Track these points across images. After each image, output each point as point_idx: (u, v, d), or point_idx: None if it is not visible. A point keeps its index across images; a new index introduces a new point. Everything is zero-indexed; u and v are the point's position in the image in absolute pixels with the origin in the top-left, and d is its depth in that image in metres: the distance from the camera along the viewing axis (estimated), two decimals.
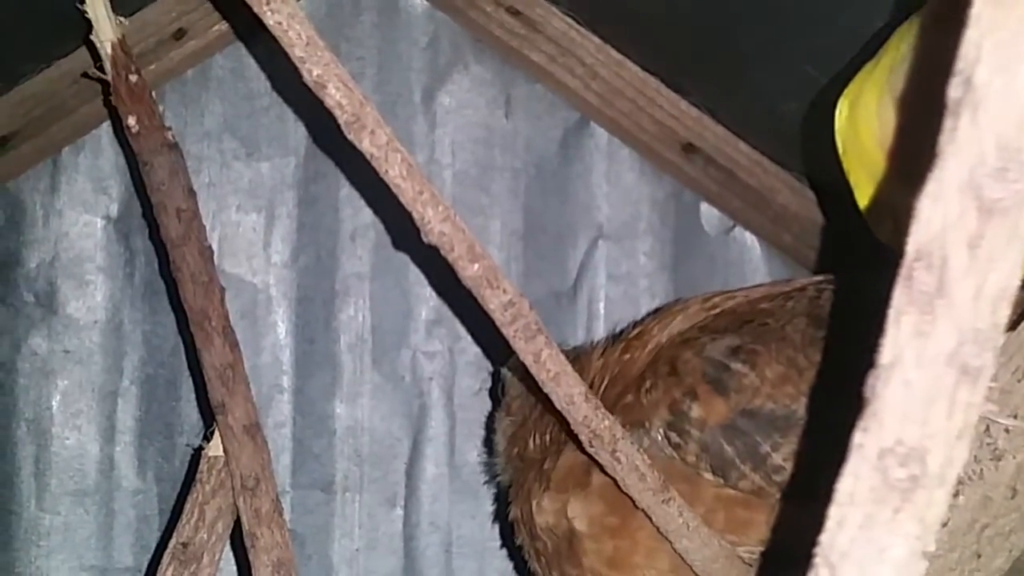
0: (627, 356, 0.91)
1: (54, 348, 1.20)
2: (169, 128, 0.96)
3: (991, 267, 0.32)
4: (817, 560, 0.36)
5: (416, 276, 1.24)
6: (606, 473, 0.76)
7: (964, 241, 0.32)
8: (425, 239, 0.63)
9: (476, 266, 0.64)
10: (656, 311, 1.00)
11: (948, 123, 0.31)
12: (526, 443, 0.95)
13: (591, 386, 0.90)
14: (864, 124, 0.74)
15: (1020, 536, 0.68)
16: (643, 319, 0.97)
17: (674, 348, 0.87)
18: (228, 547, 0.97)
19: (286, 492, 1.21)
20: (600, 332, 1.22)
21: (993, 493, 0.66)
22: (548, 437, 0.92)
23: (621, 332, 0.97)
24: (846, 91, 0.77)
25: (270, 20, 0.57)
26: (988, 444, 0.65)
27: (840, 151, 0.76)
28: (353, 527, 1.22)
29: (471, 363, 1.24)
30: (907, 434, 0.34)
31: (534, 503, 0.89)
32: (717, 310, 0.90)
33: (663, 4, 1.07)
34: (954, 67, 0.30)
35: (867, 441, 0.35)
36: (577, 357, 0.94)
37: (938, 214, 0.32)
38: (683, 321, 0.90)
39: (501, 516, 1.17)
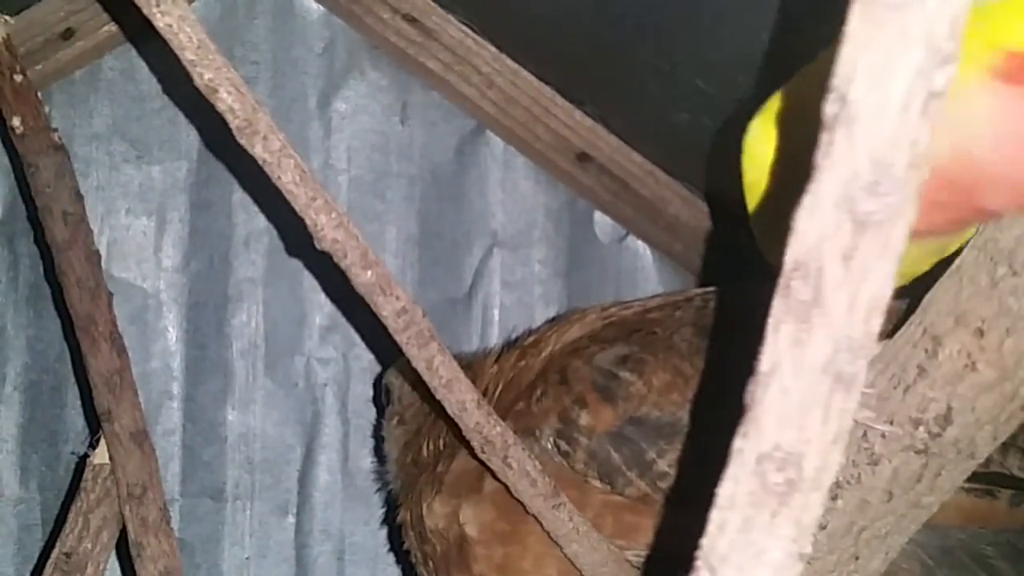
0: (522, 363, 0.92)
1: None
2: (55, 130, 0.95)
3: (864, 279, 0.33)
4: (699, 563, 0.37)
5: (310, 282, 1.23)
6: (498, 479, 0.76)
7: (839, 253, 0.33)
8: (318, 246, 0.63)
9: (369, 273, 0.64)
10: (554, 319, 1.01)
11: (824, 138, 0.32)
12: (420, 449, 0.95)
13: (485, 392, 0.91)
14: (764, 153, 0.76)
15: (896, 539, 0.71)
16: (540, 327, 0.98)
17: (565, 356, 0.88)
18: (114, 557, 0.96)
19: (175, 500, 1.19)
20: (494, 339, 1.23)
21: (870, 497, 0.67)
22: (442, 442, 0.92)
23: (517, 339, 0.98)
24: (755, 117, 0.79)
25: (160, 22, 0.57)
26: (865, 449, 0.67)
27: (744, 175, 0.78)
28: (244, 535, 1.21)
29: (365, 370, 1.24)
30: (784, 440, 0.35)
31: (425, 506, 0.89)
32: (612, 319, 0.91)
33: (559, 16, 1.08)
34: (829, 84, 0.31)
35: (746, 446, 0.35)
36: (471, 364, 0.95)
37: (814, 227, 0.33)
38: (579, 330, 0.91)
39: (392, 522, 1.17)
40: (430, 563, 0.91)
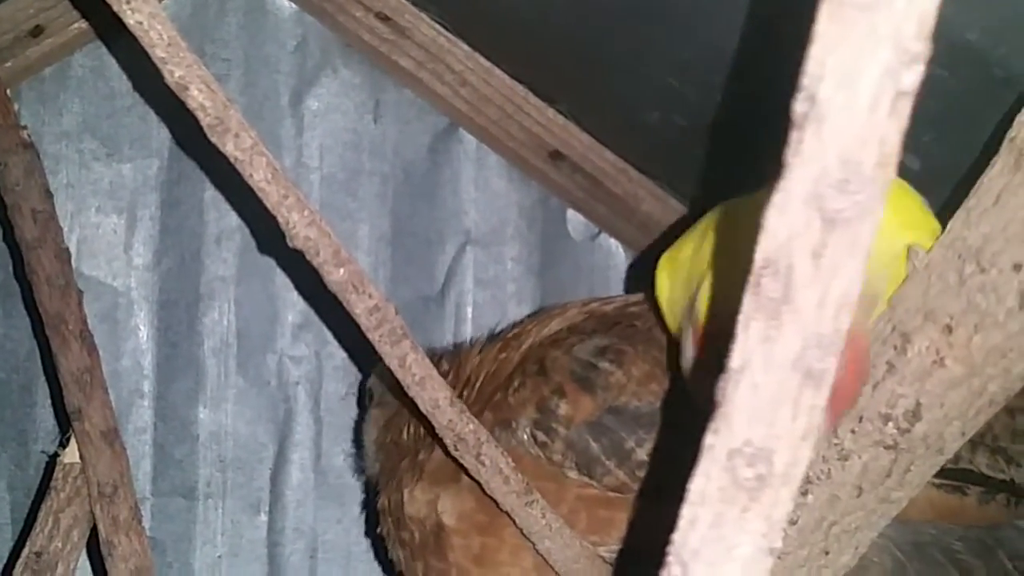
0: (503, 355, 0.92)
1: None
2: (25, 127, 0.94)
3: (834, 276, 0.34)
4: (670, 558, 0.37)
5: (283, 280, 1.22)
6: (471, 476, 0.77)
7: (808, 251, 0.33)
8: (290, 244, 0.63)
9: (341, 271, 0.64)
10: (535, 313, 1.02)
11: (793, 137, 0.32)
12: (400, 431, 0.95)
13: (467, 383, 0.91)
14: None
15: (866, 533, 0.71)
16: (522, 320, 0.99)
17: (543, 348, 0.89)
18: (85, 556, 0.95)
19: (146, 499, 1.18)
20: (468, 336, 1.23)
21: (840, 492, 0.68)
22: (423, 428, 0.92)
23: (501, 332, 0.98)
24: (662, 262, 0.81)
25: (130, 19, 0.56)
26: (835, 444, 0.67)
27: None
28: (216, 534, 1.20)
29: (338, 368, 1.23)
30: (755, 435, 0.35)
31: (406, 492, 0.89)
32: (592, 313, 0.92)
33: (532, 14, 1.09)
34: (799, 82, 0.32)
35: (717, 442, 0.36)
36: (456, 354, 0.95)
37: (784, 225, 0.33)
38: (559, 323, 0.92)
39: (367, 519, 1.17)
40: (407, 549, 0.91)
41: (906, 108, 0.30)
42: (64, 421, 1.01)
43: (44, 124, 1.18)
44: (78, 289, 0.93)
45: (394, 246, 1.25)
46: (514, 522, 0.78)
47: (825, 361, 0.35)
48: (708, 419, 0.37)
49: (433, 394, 0.71)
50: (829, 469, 0.68)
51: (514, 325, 0.97)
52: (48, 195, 0.94)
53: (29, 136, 0.94)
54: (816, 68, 0.31)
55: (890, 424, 0.66)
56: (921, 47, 0.30)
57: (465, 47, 1.21)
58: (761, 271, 0.34)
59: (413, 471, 0.90)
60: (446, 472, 0.86)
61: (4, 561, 1.14)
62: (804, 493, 0.68)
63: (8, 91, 0.94)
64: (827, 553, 0.71)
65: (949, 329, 0.63)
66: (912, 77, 0.30)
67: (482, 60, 1.21)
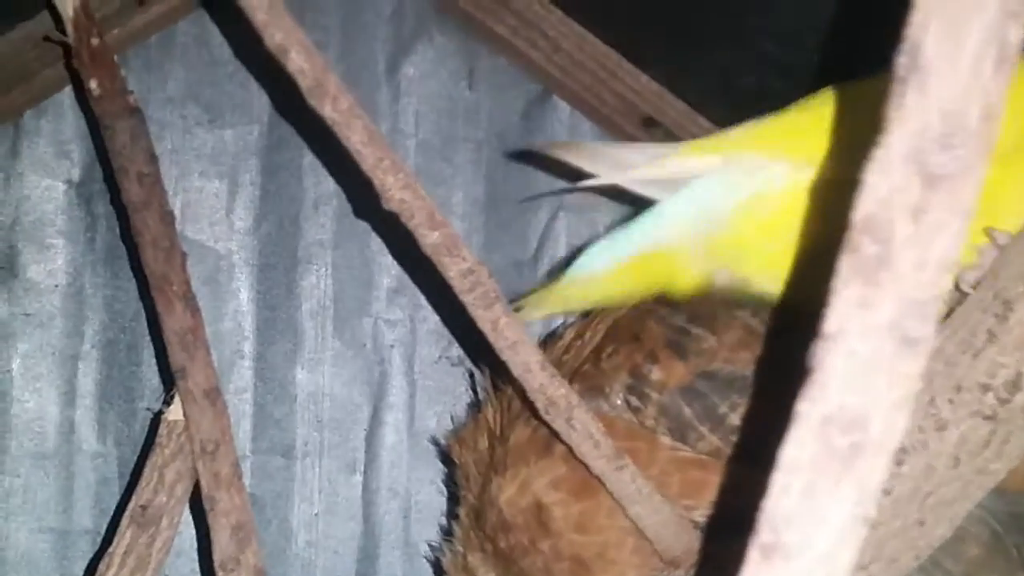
0: (587, 332, 0.92)
1: (14, 312, 1.20)
2: (131, 92, 0.96)
3: (934, 236, 0.33)
4: (761, 526, 0.37)
5: (378, 245, 1.24)
6: (561, 441, 0.77)
7: (908, 209, 0.33)
8: (385, 206, 0.63)
9: (436, 234, 0.64)
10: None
11: (895, 91, 0.31)
12: (475, 444, 0.93)
13: (567, 350, 0.90)
14: None
15: (962, 505, 0.70)
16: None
17: (634, 319, 0.88)
18: (187, 511, 0.98)
19: (246, 457, 1.21)
20: None
21: (936, 462, 0.67)
22: (490, 430, 0.91)
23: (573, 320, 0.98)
24: None
25: None
26: (932, 414, 0.66)
27: None
28: (312, 492, 1.23)
29: (432, 331, 1.25)
30: (849, 402, 0.35)
31: (493, 487, 0.88)
32: None
33: None
34: (902, 35, 0.31)
35: (810, 409, 0.35)
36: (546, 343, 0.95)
37: (884, 184, 0.33)
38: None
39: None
40: (516, 551, 0.87)
41: (1011, 62, 0.30)
42: (168, 380, 1.04)
43: (150, 91, 1.21)
44: (182, 251, 0.95)
45: (488, 212, 1.25)
46: (604, 487, 0.79)
47: (923, 328, 0.34)
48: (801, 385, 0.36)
49: (525, 358, 0.71)
50: (926, 439, 0.67)
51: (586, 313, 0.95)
52: (153, 159, 0.95)
53: (135, 101, 0.96)
54: (920, 19, 0.30)
55: (990, 394, 0.65)
56: None
57: (559, 13, 1.21)
58: (859, 231, 0.33)
59: (496, 467, 0.89)
60: (532, 448, 0.87)
61: (112, 513, 1.19)
62: (899, 463, 0.67)
63: (115, 58, 0.96)
64: (922, 524, 0.70)
65: None
66: (1018, 29, 0.30)
67: (576, 26, 1.21)
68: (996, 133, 0.31)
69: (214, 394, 0.93)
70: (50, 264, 1.20)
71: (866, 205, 0.33)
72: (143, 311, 1.20)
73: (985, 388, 0.65)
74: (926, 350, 0.35)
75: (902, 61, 0.31)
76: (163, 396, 1.07)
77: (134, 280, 1.20)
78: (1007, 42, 0.30)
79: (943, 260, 0.34)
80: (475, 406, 0.98)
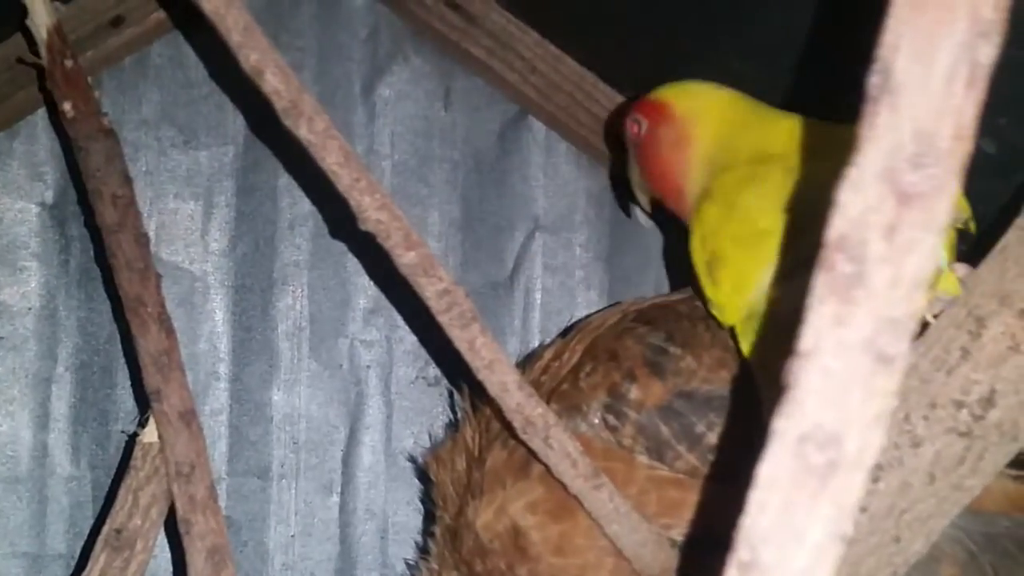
0: (564, 353, 0.92)
1: None
2: (106, 114, 0.96)
3: (908, 255, 0.33)
4: (739, 543, 0.37)
5: (354, 265, 1.24)
6: (539, 460, 0.77)
7: (882, 227, 0.33)
8: (361, 226, 0.63)
9: (412, 254, 0.65)
10: (590, 315, 1.00)
11: (868, 111, 0.32)
12: (452, 464, 0.93)
13: (545, 371, 0.90)
14: None
15: (938, 521, 0.70)
16: (578, 321, 0.98)
17: (612, 337, 0.89)
18: (163, 533, 0.97)
19: (222, 479, 1.20)
20: (536, 322, 1.24)
21: (912, 479, 0.67)
22: (467, 454, 0.90)
23: (553, 339, 0.98)
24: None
25: (206, 6, 0.58)
26: (907, 431, 0.67)
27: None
28: (289, 514, 1.22)
29: (408, 352, 1.25)
30: (825, 419, 0.35)
31: (470, 510, 0.88)
32: (656, 303, 0.91)
33: (601, 1, 1.09)
34: (874, 55, 0.31)
35: (786, 427, 0.35)
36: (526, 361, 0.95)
37: (857, 202, 0.33)
38: (618, 315, 0.91)
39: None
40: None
41: (982, 81, 0.30)
42: (143, 402, 1.03)
43: (124, 113, 1.20)
44: (157, 273, 0.95)
45: (464, 232, 1.25)
46: (582, 506, 0.78)
47: (898, 345, 0.34)
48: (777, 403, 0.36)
49: (502, 377, 0.71)
50: (901, 456, 0.67)
51: (567, 329, 0.96)
52: (128, 181, 0.95)
53: (110, 123, 0.96)
54: (891, 39, 0.30)
55: (964, 411, 0.65)
56: (997, 18, 0.30)
57: (535, 35, 1.21)
58: (834, 249, 0.33)
59: (473, 490, 0.89)
60: (509, 471, 0.86)
61: (86, 537, 1.17)
62: (875, 480, 0.67)
63: (89, 79, 0.96)
64: (898, 540, 0.70)
65: None
66: (988, 49, 0.30)
67: (552, 48, 1.21)
68: (968, 152, 0.31)
69: (189, 416, 0.93)
70: (23, 287, 1.20)
71: (840, 224, 0.33)
72: (117, 333, 1.19)
73: (959, 405, 0.65)
74: (901, 367, 0.35)
75: (874, 81, 0.31)
76: (138, 418, 1.06)
77: (108, 302, 1.19)
78: (978, 62, 0.30)
79: (917, 277, 0.34)
80: (453, 426, 0.97)
